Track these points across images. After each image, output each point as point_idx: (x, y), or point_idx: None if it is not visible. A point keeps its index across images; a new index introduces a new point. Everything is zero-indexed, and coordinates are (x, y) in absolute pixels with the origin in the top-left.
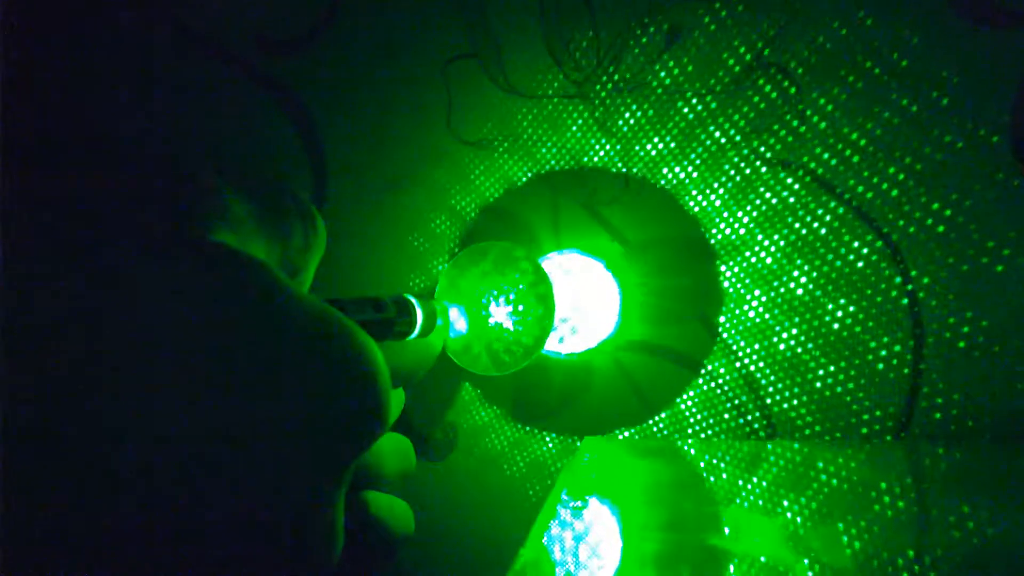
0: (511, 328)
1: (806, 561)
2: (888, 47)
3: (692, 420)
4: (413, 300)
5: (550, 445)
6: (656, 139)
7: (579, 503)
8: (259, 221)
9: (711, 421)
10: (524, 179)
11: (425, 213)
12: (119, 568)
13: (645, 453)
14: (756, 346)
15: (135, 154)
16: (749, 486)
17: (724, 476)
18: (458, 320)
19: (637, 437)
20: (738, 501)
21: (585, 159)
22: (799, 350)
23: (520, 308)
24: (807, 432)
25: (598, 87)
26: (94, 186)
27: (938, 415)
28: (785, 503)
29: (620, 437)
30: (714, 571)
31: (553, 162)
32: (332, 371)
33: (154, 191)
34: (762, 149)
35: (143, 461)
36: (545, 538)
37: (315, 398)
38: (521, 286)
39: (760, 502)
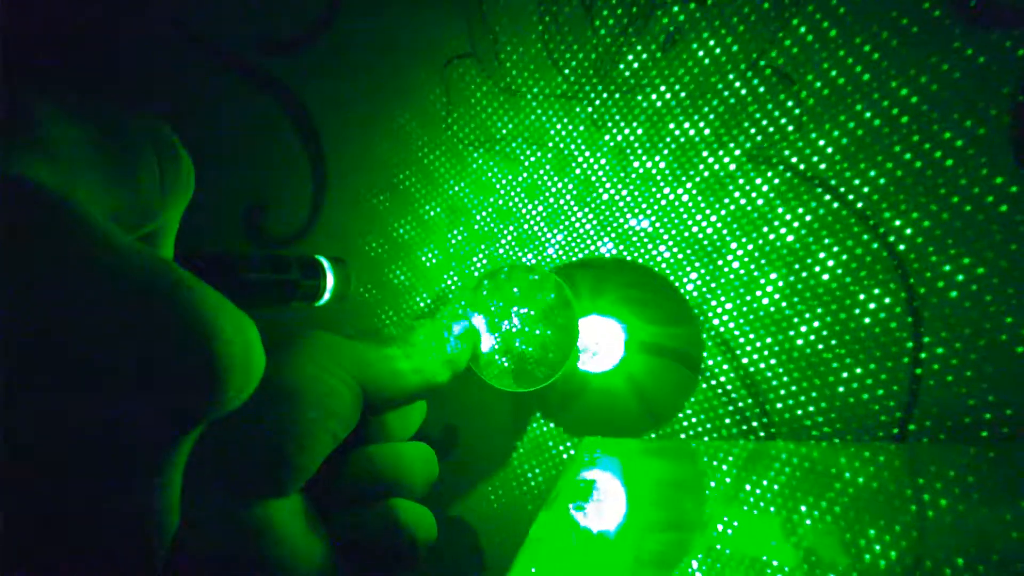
0: (532, 349)
1: (805, 561)
2: (883, 46)
3: (694, 419)
4: (325, 262)
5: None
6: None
7: (580, 502)
8: (95, 154)
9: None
10: (525, 180)
11: (423, 212)
12: None
13: (646, 453)
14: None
15: None
16: (749, 486)
17: (726, 475)
18: (480, 333)
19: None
20: (741, 500)
21: (586, 159)
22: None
23: (540, 331)
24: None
25: (599, 88)
26: None
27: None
28: (792, 504)
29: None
30: (715, 571)
31: (554, 162)
32: (146, 335)
33: None
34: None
35: None
36: (545, 534)
37: (119, 367)
38: (547, 296)
39: (762, 502)
